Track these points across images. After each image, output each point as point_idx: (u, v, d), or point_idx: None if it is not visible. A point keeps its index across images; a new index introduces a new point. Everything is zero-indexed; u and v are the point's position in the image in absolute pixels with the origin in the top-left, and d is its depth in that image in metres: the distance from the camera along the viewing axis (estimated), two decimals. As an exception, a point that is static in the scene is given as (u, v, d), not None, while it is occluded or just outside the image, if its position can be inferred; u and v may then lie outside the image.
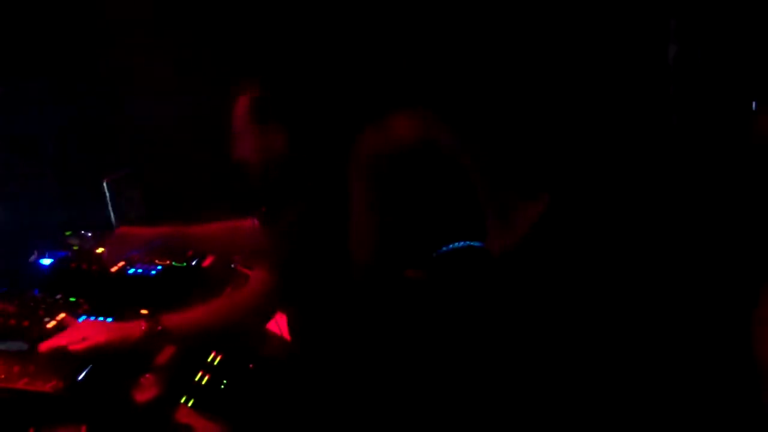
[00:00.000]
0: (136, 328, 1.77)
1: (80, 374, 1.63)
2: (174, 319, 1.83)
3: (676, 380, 1.40)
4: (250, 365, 2.22)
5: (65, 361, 1.65)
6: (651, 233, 1.39)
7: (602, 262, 1.36)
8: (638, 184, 1.40)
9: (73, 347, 1.67)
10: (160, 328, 1.78)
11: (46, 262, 2.27)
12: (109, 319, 1.91)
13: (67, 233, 2.48)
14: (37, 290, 2.09)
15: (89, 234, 2.50)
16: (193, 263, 2.40)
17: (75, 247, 2.41)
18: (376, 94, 2.09)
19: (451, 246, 1.38)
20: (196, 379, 1.99)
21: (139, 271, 2.29)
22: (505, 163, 1.38)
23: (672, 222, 1.41)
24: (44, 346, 1.68)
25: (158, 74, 2.87)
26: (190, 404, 1.88)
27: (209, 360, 2.09)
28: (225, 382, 2.06)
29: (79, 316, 1.91)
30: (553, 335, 1.35)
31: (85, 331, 1.75)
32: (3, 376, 1.58)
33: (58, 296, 2.03)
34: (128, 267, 2.30)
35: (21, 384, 1.56)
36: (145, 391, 1.77)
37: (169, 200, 2.96)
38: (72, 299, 2.00)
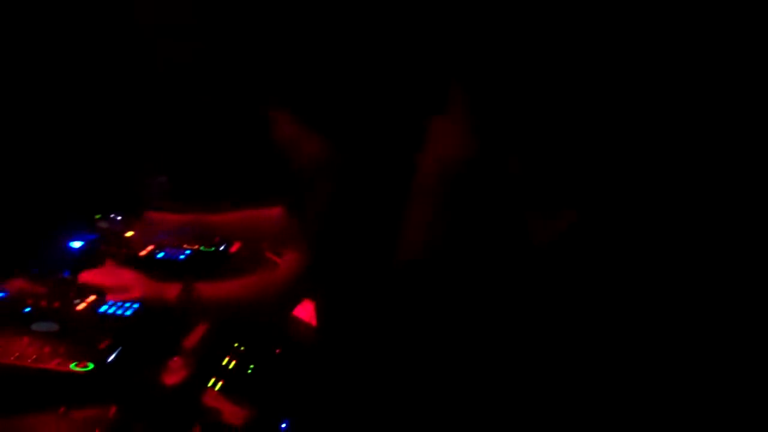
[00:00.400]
0: (173, 290, 1.84)
1: (110, 356, 1.64)
2: (208, 289, 1.87)
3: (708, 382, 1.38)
4: (277, 350, 2.23)
5: (96, 341, 1.67)
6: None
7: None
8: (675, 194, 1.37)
9: (111, 295, 1.78)
10: (195, 293, 1.82)
11: (76, 245, 2.28)
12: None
13: (97, 217, 2.49)
14: (67, 272, 2.10)
15: (118, 218, 2.52)
16: (221, 248, 2.41)
17: (104, 231, 2.43)
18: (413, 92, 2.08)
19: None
20: (224, 363, 2.00)
21: (168, 255, 2.31)
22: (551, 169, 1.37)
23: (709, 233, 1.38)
24: (85, 276, 1.72)
25: (188, 57, 2.88)
26: (217, 388, 1.89)
27: (236, 345, 2.09)
28: (252, 366, 2.07)
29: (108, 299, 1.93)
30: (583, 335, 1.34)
31: (125, 278, 1.84)
32: (35, 357, 1.60)
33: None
34: (157, 251, 2.32)
35: (52, 364, 1.57)
36: (174, 374, 1.78)
37: (196, 186, 2.98)
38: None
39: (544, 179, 1.38)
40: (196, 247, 2.36)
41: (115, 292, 1.88)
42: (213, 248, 2.37)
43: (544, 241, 1.38)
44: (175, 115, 3.02)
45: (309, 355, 2.20)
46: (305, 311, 2.31)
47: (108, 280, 1.92)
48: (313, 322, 2.24)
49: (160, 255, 2.29)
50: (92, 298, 1.91)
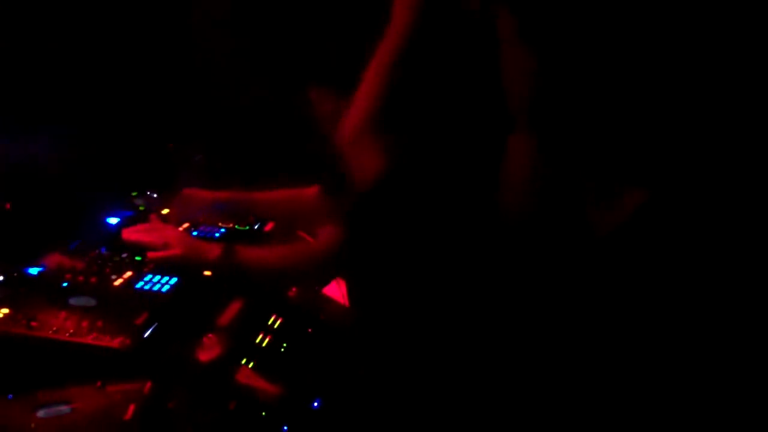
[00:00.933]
0: (213, 250, 1.89)
1: (146, 331, 1.66)
2: (247, 252, 1.92)
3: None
4: (309, 329, 2.24)
5: (132, 317, 1.69)
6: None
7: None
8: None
9: (152, 254, 1.84)
10: (234, 254, 1.84)
11: (113, 221, 2.31)
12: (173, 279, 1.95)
13: (134, 194, 2.52)
14: (104, 248, 2.12)
15: (155, 195, 2.54)
16: (256, 227, 2.42)
17: (141, 208, 2.45)
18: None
19: None
20: (257, 341, 2.02)
21: (203, 233, 2.32)
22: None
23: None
24: (128, 234, 1.83)
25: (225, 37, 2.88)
26: (251, 366, 1.90)
27: (270, 322, 2.11)
28: (285, 345, 2.08)
29: (145, 275, 1.94)
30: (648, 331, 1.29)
31: (167, 236, 1.90)
32: (72, 331, 1.62)
33: (124, 255, 2.06)
34: (192, 229, 2.33)
35: (90, 339, 1.60)
36: (208, 351, 1.80)
37: (232, 165, 2.99)
38: (138, 258, 2.03)
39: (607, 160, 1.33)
40: (231, 225, 2.37)
41: (156, 248, 1.91)
42: (247, 227, 2.38)
43: (611, 223, 1.33)
44: (213, 92, 3.03)
45: (341, 334, 2.21)
46: (337, 291, 2.32)
47: (150, 236, 1.96)
48: (345, 301, 2.25)
49: (195, 233, 2.31)
50: (129, 274, 1.93)
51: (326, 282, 2.25)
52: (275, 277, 2.00)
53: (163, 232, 1.95)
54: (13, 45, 2.26)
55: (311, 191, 2.22)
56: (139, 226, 2.00)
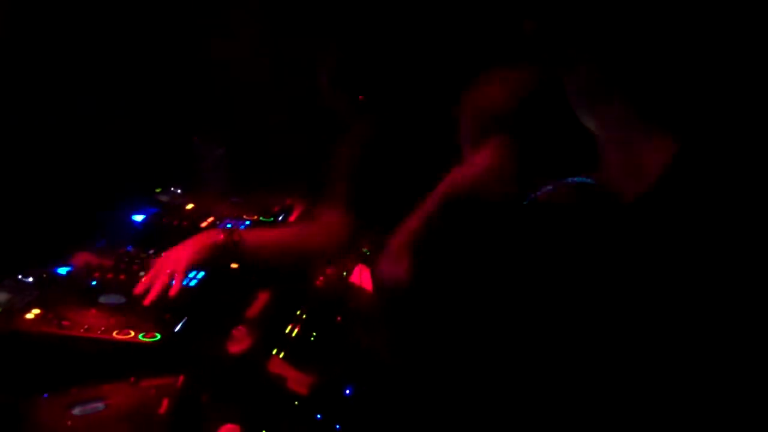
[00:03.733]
0: (214, 236, 1.88)
1: (177, 326, 1.67)
2: (251, 234, 1.92)
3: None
4: (338, 318, 2.24)
5: (163, 312, 1.70)
6: None
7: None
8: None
9: (172, 292, 1.77)
10: (237, 237, 1.86)
11: (139, 218, 2.32)
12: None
13: (158, 190, 2.53)
14: (130, 246, 2.13)
15: (179, 190, 2.55)
16: (280, 218, 2.42)
17: (165, 204, 2.46)
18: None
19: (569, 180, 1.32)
20: (287, 331, 2.02)
21: (228, 225, 2.32)
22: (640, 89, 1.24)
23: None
24: (146, 301, 1.74)
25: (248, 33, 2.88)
26: (281, 356, 1.91)
27: (299, 312, 2.11)
28: (314, 334, 2.08)
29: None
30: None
31: (167, 265, 1.81)
32: (103, 328, 1.63)
33: (151, 251, 2.07)
34: (218, 222, 2.34)
35: (121, 336, 1.61)
36: (238, 343, 1.80)
37: (253, 160, 2.99)
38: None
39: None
40: (256, 217, 2.38)
41: (174, 290, 1.84)
42: (272, 218, 2.39)
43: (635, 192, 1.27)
44: (234, 88, 3.03)
45: (369, 321, 2.21)
46: (364, 278, 2.32)
47: (157, 284, 1.84)
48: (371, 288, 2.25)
49: (221, 226, 2.31)
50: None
51: (333, 263, 2.24)
52: (281, 258, 1.99)
53: (161, 265, 1.86)
54: (36, 41, 2.27)
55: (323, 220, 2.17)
56: (143, 281, 1.86)
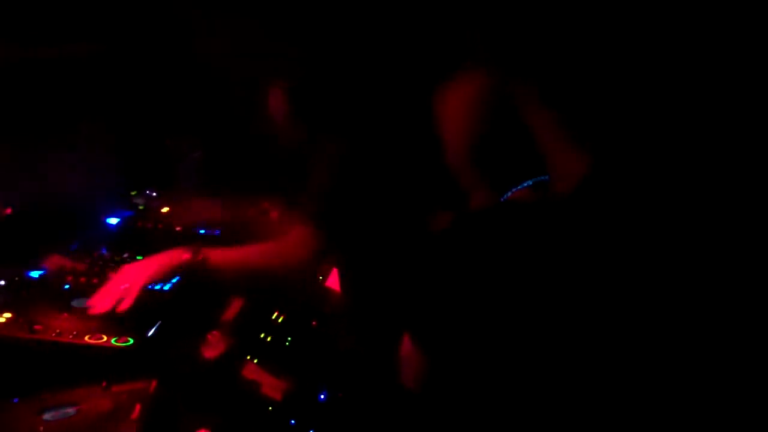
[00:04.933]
0: (179, 255, 1.84)
1: (150, 330, 1.65)
2: (216, 253, 1.88)
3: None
4: (313, 323, 2.24)
5: (135, 316, 1.69)
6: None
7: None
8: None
9: (120, 308, 1.71)
10: (201, 257, 1.82)
11: (113, 221, 2.30)
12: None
13: (133, 193, 2.51)
14: (105, 249, 2.12)
15: (154, 194, 2.54)
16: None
17: (141, 207, 2.44)
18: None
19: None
20: (262, 336, 2.02)
21: (203, 230, 2.31)
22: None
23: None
24: (92, 311, 1.71)
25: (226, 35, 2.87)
26: (256, 361, 1.90)
27: (274, 317, 2.10)
28: (289, 339, 2.08)
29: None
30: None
31: (124, 280, 1.77)
32: (76, 332, 1.61)
33: (126, 255, 2.06)
34: (197, 228, 2.33)
35: (93, 340, 1.59)
36: (213, 348, 1.79)
37: (230, 163, 2.98)
38: (139, 257, 2.02)
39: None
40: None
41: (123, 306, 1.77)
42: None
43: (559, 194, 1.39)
44: (210, 91, 3.02)
45: (344, 325, 2.22)
46: (338, 283, 2.32)
47: (108, 299, 1.78)
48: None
49: (201, 231, 2.31)
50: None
51: (308, 273, 2.24)
52: (247, 275, 1.98)
53: (118, 280, 1.80)
54: (10, 48, 2.25)
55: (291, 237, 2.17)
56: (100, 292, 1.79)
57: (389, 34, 2.17)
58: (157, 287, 1.86)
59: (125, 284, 1.76)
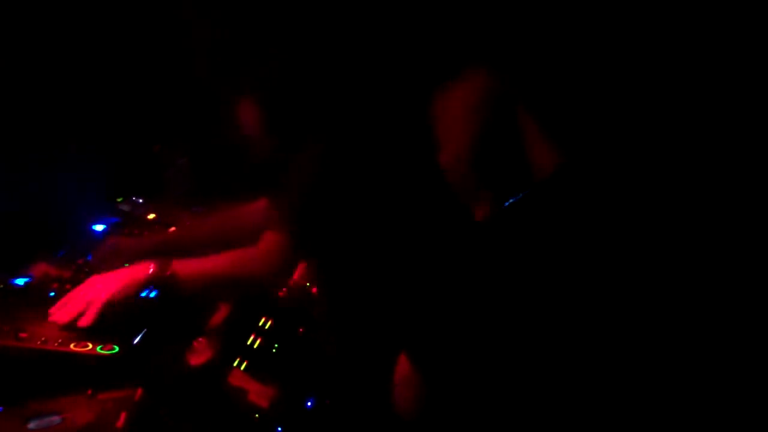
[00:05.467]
0: (144, 270, 1.80)
1: (135, 338, 1.65)
2: (184, 264, 1.85)
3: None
4: (300, 329, 2.24)
5: (120, 324, 1.68)
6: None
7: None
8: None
9: (82, 323, 1.69)
10: (169, 272, 1.81)
11: (99, 228, 2.29)
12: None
13: (119, 200, 2.51)
14: (90, 256, 2.11)
15: (140, 200, 2.53)
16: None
17: (126, 214, 2.44)
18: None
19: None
20: (248, 342, 2.01)
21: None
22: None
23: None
24: (55, 320, 1.69)
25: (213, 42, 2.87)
26: (242, 368, 1.90)
27: (261, 324, 2.10)
28: (276, 346, 2.08)
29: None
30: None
31: (87, 293, 1.74)
32: (61, 340, 1.61)
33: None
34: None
35: (78, 347, 1.59)
36: (199, 355, 1.79)
37: (216, 169, 2.98)
38: (125, 264, 2.01)
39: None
40: None
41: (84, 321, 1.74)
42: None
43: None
44: (196, 97, 3.02)
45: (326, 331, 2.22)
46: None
47: (67, 313, 1.75)
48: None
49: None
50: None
51: (281, 280, 2.23)
52: (219, 285, 1.96)
53: (80, 293, 1.76)
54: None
55: (253, 207, 2.18)
56: (61, 301, 1.76)
57: (365, 39, 2.18)
58: (142, 294, 1.85)
59: (88, 297, 1.72)
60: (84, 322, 1.69)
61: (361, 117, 2.06)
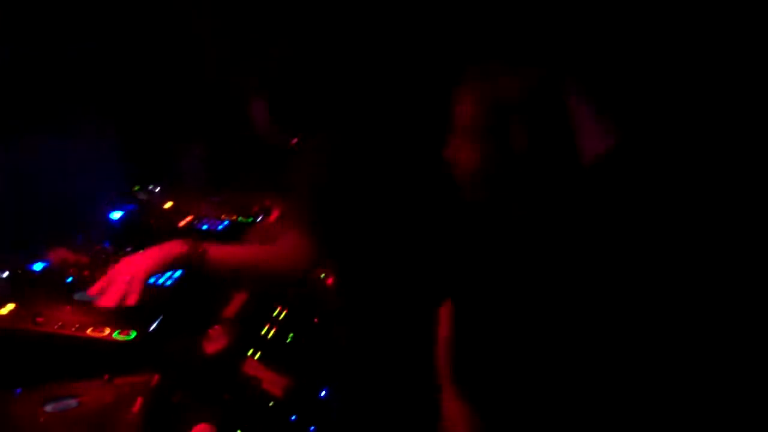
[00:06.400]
0: (179, 248, 1.81)
1: (152, 325, 1.65)
2: (215, 248, 1.86)
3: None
4: (315, 320, 2.24)
5: (138, 310, 1.68)
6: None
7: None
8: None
9: (130, 301, 1.69)
10: (201, 250, 1.82)
11: (116, 215, 2.30)
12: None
13: (136, 188, 2.51)
14: (107, 243, 2.12)
15: (157, 189, 2.54)
16: (259, 219, 2.42)
17: (143, 202, 2.45)
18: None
19: None
20: (263, 332, 2.02)
21: (206, 226, 2.32)
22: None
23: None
24: (101, 303, 1.70)
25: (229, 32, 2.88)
26: (257, 357, 1.91)
27: (275, 314, 2.11)
28: (291, 336, 2.08)
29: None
30: None
31: (126, 272, 1.74)
32: (78, 325, 1.62)
33: (128, 249, 2.06)
34: (196, 221, 2.33)
35: (96, 333, 1.59)
36: (214, 343, 1.79)
37: (232, 161, 2.99)
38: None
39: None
40: (234, 217, 2.37)
41: (129, 300, 1.73)
42: (251, 218, 2.38)
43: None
44: (212, 87, 3.02)
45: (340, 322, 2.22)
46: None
47: (113, 294, 1.74)
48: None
49: (199, 226, 2.31)
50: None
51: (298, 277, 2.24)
52: (243, 273, 1.97)
53: (118, 273, 1.75)
54: (17, 42, 2.26)
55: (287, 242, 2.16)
56: (98, 284, 1.76)
57: (378, 35, 2.18)
58: (160, 281, 1.86)
59: (127, 277, 1.74)
60: (131, 300, 1.69)
61: (372, 109, 2.07)
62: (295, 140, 2.09)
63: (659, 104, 1.42)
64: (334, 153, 2.01)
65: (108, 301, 1.69)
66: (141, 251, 1.82)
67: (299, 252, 1.97)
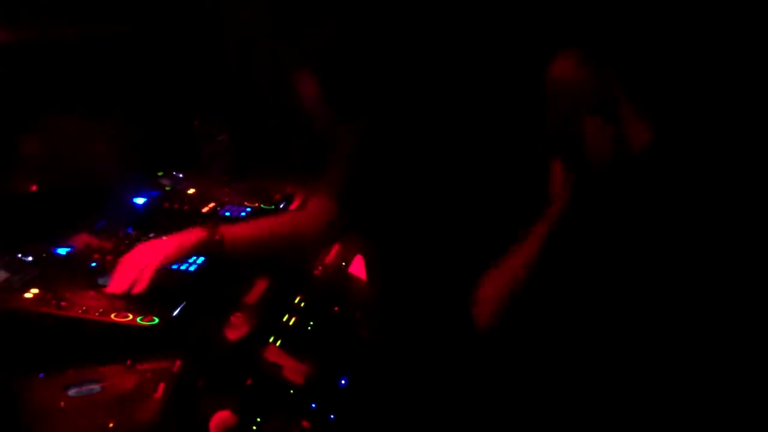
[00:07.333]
0: (196, 235, 1.82)
1: (175, 310, 1.66)
2: (232, 230, 1.87)
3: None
4: (335, 308, 2.24)
5: (161, 295, 1.69)
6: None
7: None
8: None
9: (136, 290, 1.71)
10: (219, 236, 1.82)
11: (140, 201, 2.31)
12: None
13: (159, 174, 2.52)
14: (130, 228, 2.13)
15: (180, 175, 2.54)
16: (281, 206, 2.41)
17: (167, 188, 2.45)
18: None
19: None
20: (284, 320, 2.02)
21: (228, 213, 2.32)
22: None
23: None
24: (109, 290, 1.72)
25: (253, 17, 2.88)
26: (278, 344, 1.91)
27: (296, 302, 2.11)
28: (311, 324, 2.08)
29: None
30: None
31: (140, 259, 1.75)
32: (101, 310, 1.62)
33: (151, 234, 2.06)
34: (218, 208, 2.33)
35: (119, 318, 1.60)
36: (236, 330, 1.80)
37: (255, 147, 2.99)
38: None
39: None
40: (257, 204, 2.37)
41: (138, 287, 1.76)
42: (273, 206, 2.38)
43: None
44: (239, 74, 3.02)
45: (364, 313, 2.22)
46: (361, 269, 2.32)
47: (126, 279, 1.77)
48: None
49: (222, 212, 2.31)
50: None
51: (323, 248, 2.22)
52: (264, 250, 1.96)
53: (133, 258, 1.77)
54: (45, 26, 2.26)
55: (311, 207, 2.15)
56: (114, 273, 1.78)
57: (428, 15, 2.15)
58: (183, 267, 1.86)
59: (140, 264, 1.75)
60: (138, 288, 1.71)
61: (419, 95, 2.05)
62: (335, 120, 2.08)
63: (698, 101, 1.46)
64: (376, 134, 2.00)
65: (116, 287, 1.70)
66: (157, 239, 1.83)
67: (320, 217, 1.97)
